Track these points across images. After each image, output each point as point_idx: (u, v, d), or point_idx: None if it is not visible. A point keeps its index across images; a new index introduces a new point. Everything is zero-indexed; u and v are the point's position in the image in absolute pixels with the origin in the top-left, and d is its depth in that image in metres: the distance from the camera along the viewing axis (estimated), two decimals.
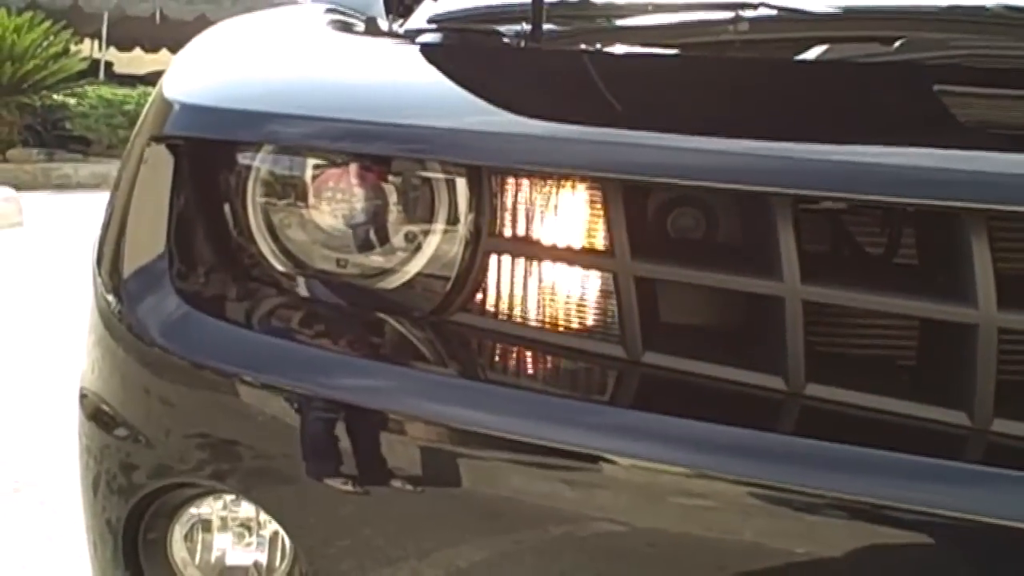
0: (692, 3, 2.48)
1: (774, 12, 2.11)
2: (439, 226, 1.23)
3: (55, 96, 14.65)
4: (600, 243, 1.16)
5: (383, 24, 1.95)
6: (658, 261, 1.13)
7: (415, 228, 1.24)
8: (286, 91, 1.31)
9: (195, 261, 1.28)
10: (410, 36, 1.83)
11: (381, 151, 1.22)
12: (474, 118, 1.19)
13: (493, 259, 1.22)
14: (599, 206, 1.15)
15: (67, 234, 8.50)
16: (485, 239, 1.21)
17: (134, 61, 20.71)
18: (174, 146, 1.29)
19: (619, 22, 2.16)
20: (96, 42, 18.30)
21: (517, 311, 1.21)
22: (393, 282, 1.25)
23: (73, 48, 15.60)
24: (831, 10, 2.13)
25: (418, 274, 1.24)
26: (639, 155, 1.09)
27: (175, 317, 1.22)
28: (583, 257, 1.17)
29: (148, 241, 1.28)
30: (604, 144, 1.11)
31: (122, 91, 14.98)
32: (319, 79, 1.36)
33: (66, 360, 4.21)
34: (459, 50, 1.55)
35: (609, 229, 1.13)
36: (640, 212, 1.18)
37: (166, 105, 1.32)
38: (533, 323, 1.21)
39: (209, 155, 1.29)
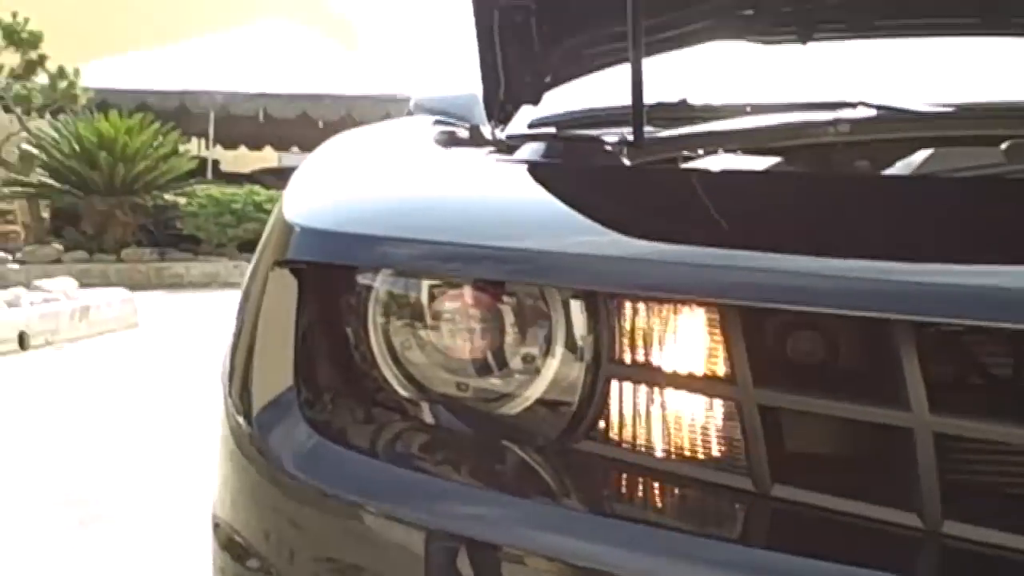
0: (791, 103, 2.51)
1: (875, 112, 2.11)
2: (558, 350, 1.21)
3: (166, 196, 15.09)
4: (721, 370, 1.13)
5: (486, 131, 1.97)
6: (782, 389, 1.09)
7: (533, 351, 1.22)
8: (400, 214, 1.33)
9: (322, 387, 1.29)
10: (512, 143, 1.87)
11: (492, 276, 1.22)
12: (585, 240, 1.19)
13: (615, 385, 1.19)
14: (718, 330, 1.13)
15: (179, 335, 8.73)
16: (605, 364, 1.18)
17: (239, 159, 21.27)
18: (297, 269, 1.31)
19: (718, 125, 2.18)
20: (203, 141, 18.83)
21: (642, 440, 1.18)
22: (515, 407, 1.23)
23: (181, 148, 16.05)
24: (934, 109, 2.12)
25: (539, 400, 1.22)
26: (755, 280, 1.07)
27: (306, 448, 1.23)
28: (705, 384, 1.15)
29: (276, 367, 1.29)
30: (719, 269, 1.09)
31: (230, 190, 15.30)
32: (431, 200, 1.38)
33: (187, 464, 4.31)
34: (566, 168, 1.54)
35: (729, 356, 1.11)
36: (760, 336, 1.14)
37: (287, 228, 1.34)
38: (659, 452, 1.18)
39: (330, 278, 1.30)
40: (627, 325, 1.18)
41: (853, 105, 2.34)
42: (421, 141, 1.72)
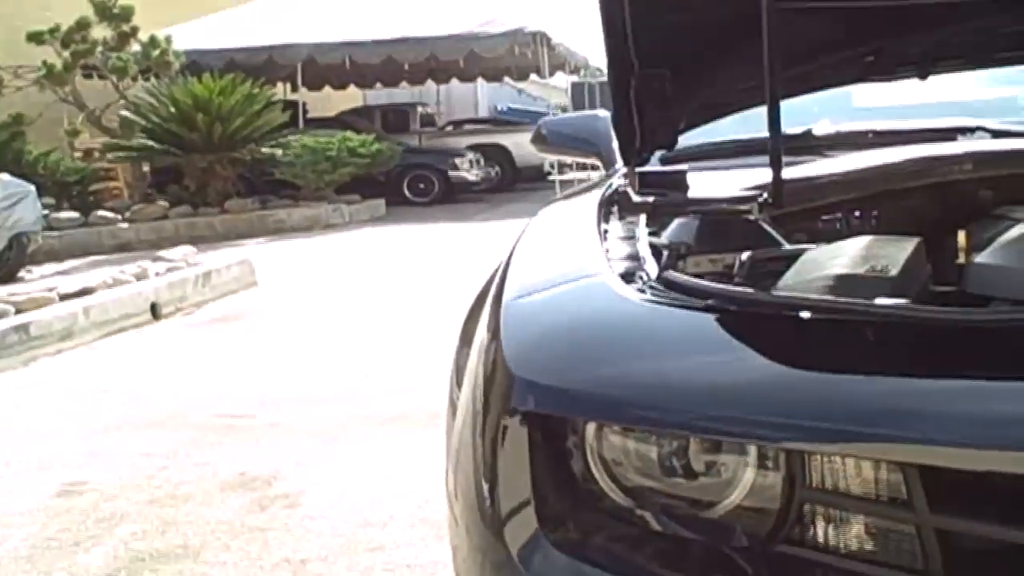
0: (911, 129, 2.70)
1: (1001, 147, 2.31)
2: (751, 461, 1.36)
3: (263, 149, 15.55)
4: (903, 497, 1.27)
5: (635, 197, 2.12)
6: (956, 515, 1.23)
7: (729, 462, 1.38)
8: (606, 377, 1.48)
9: (557, 509, 1.46)
10: (660, 207, 2.06)
11: (689, 431, 1.39)
12: (762, 408, 1.33)
13: (807, 504, 1.33)
14: (898, 466, 1.27)
15: (296, 291, 9.18)
16: (799, 488, 1.33)
17: (325, 99, 21.64)
18: (526, 414, 1.49)
19: (844, 165, 2.34)
20: (289, 85, 19.29)
21: (833, 544, 1.32)
22: (718, 512, 1.38)
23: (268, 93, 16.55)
24: None
25: (740, 506, 1.37)
26: (934, 451, 1.23)
27: (552, 567, 1.42)
28: (889, 509, 1.29)
29: (516, 496, 1.49)
30: (901, 445, 1.24)
31: (323, 138, 15.80)
32: (631, 362, 1.51)
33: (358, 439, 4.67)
34: (749, 320, 1.54)
35: (908, 486, 1.25)
36: (936, 470, 1.25)
37: (510, 379, 1.53)
38: (850, 559, 1.31)
39: (553, 419, 1.49)
40: (817, 456, 1.33)
41: (972, 130, 2.57)
42: (601, 260, 1.83)
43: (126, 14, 14.82)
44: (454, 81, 23.62)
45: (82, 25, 14.65)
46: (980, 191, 2.15)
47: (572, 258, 1.89)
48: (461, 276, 7.31)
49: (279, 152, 15.55)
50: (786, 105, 1.96)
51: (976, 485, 1.23)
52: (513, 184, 19.52)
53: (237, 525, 3.62)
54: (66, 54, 14.49)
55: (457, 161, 18.38)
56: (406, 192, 18.00)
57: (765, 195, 1.98)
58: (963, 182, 2.19)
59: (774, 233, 2.05)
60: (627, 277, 1.70)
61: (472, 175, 18.28)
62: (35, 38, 14.46)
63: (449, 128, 22.53)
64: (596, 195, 2.33)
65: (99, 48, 14.76)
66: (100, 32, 14.88)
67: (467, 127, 22.52)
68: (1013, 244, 1.81)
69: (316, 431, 4.69)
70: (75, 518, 3.76)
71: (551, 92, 21.55)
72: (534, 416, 1.48)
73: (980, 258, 1.82)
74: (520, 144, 17.52)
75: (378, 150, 16.14)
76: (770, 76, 1.90)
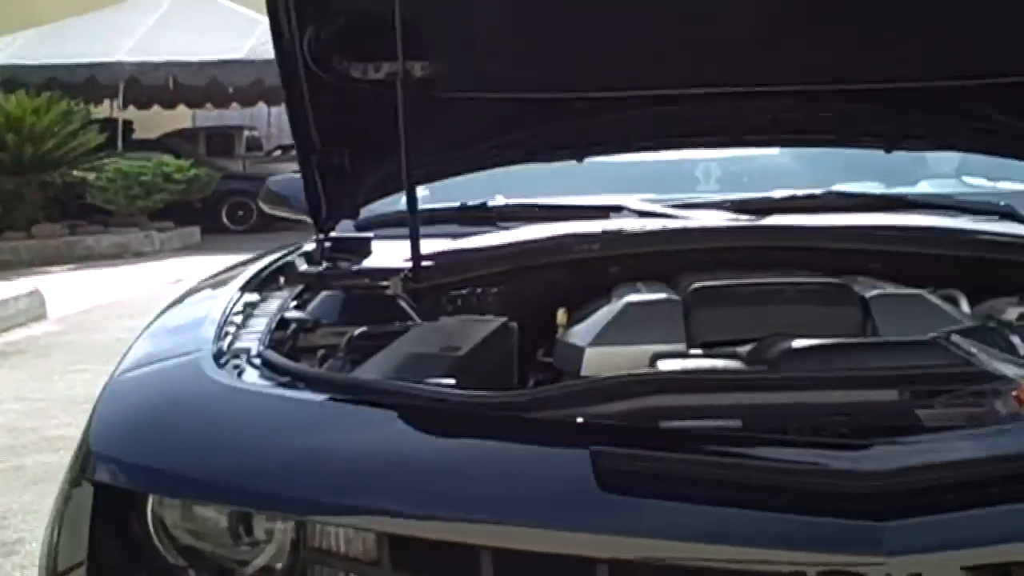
0: (567, 205, 2.89)
1: (634, 228, 2.51)
2: (279, 527, 1.53)
3: (75, 172, 15.31)
4: (374, 557, 1.45)
5: (303, 266, 2.35)
6: (414, 574, 1.45)
7: (260, 528, 1.55)
8: (173, 454, 1.63)
9: (112, 568, 1.62)
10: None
11: (230, 505, 1.56)
12: (283, 482, 1.52)
13: (311, 564, 1.50)
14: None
15: (84, 326, 9.08)
16: (303, 549, 1.50)
17: (153, 118, 21.32)
18: (95, 483, 1.63)
19: (491, 241, 2.53)
20: (115, 102, 19.04)
21: None
22: (249, 570, 1.55)
23: (93, 109, 16.43)
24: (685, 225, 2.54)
25: (264, 567, 1.54)
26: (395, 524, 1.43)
27: None
28: (363, 568, 1.47)
29: (73, 556, 1.62)
30: (361, 511, 1.45)
31: (138, 163, 15.62)
32: (199, 441, 1.66)
33: None
34: (311, 401, 1.68)
35: (378, 547, 1.44)
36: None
37: (87, 449, 1.68)
38: None
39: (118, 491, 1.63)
40: (317, 523, 1.51)
41: (619, 209, 2.75)
42: (207, 337, 1.91)
43: None
44: None
45: None
46: (609, 268, 2.31)
47: (184, 334, 2.01)
48: None
49: (92, 176, 15.31)
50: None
51: (438, 550, 1.41)
52: None
53: None
54: None
55: None
56: (224, 219, 17.89)
57: (406, 271, 2.17)
58: (595, 260, 2.35)
59: (407, 308, 2.19)
60: (232, 354, 1.82)
61: None
62: None
63: (277, 153, 22.41)
64: (264, 262, 2.51)
65: None
66: None
67: (295, 152, 22.34)
68: (586, 325, 1.99)
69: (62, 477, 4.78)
70: None
71: None
72: (100, 484, 1.62)
73: (561, 335, 2.02)
74: None
75: (195, 176, 16.06)
76: (407, 163, 2.11)
